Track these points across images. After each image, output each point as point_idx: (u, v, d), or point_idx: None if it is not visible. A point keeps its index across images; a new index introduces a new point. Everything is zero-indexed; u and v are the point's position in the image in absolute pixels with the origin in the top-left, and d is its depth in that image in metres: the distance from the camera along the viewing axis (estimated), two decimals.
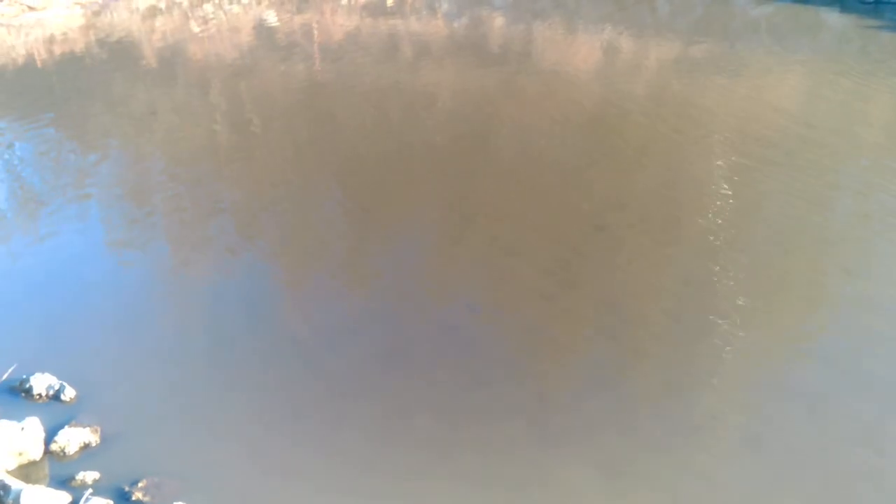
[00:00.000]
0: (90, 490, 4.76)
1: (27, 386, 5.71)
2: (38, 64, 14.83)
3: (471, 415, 5.38)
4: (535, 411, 5.38)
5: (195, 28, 18.24)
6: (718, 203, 8.27)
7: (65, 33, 17.18)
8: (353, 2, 22.26)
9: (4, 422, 5.04)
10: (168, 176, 9.68)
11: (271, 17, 19.73)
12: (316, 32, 17.88)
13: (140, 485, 4.84)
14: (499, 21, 19.72)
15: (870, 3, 22.11)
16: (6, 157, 10.20)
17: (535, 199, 8.55)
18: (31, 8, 18.30)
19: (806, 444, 4.99)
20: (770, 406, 5.36)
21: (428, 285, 7.03)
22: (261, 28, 18.46)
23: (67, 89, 13.43)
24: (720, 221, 7.87)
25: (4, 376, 5.69)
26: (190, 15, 19.91)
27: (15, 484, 4.69)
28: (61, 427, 5.32)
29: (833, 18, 20.11)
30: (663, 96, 12.62)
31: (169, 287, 7.23)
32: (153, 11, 20.05)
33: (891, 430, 5.10)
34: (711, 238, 7.53)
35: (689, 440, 5.05)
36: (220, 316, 6.69)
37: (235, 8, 21.04)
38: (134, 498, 4.77)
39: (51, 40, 16.59)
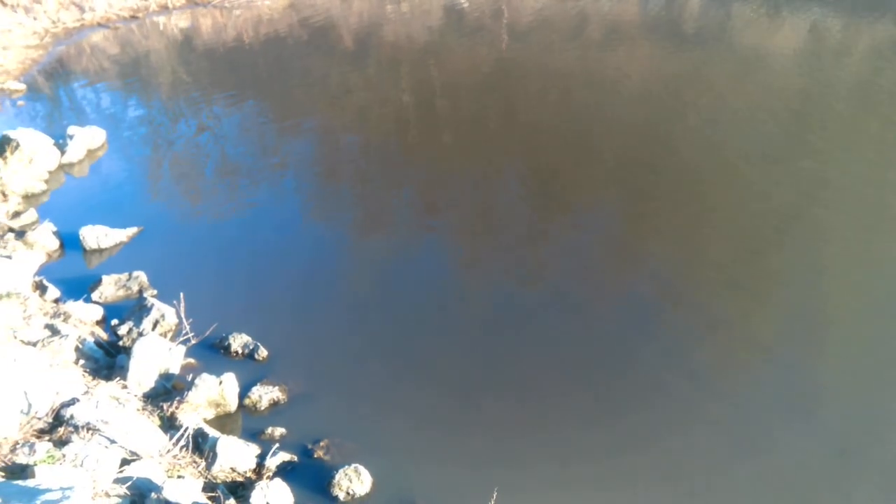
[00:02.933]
0: (277, 444, 5.07)
1: (226, 343, 6.15)
2: (246, 43, 15.81)
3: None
4: None
5: (389, 10, 18.78)
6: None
7: (270, 15, 18.20)
8: None
9: (205, 375, 5.45)
10: (359, 152, 10.07)
11: (462, 0, 19.97)
12: (505, 13, 17.90)
13: (321, 444, 5.10)
14: (695, 1, 18.90)
15: None
16: (215, 131, 10.97)
17: (719, 192, 8.17)
18: None
19: None
20: None
21: (604, 274, 6.92)
22: (451, 10, 18.71)
23: (271, 68, 14.23)
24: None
25: (207, 333, 6.15)
26: None
27: (212, 432, 5.07)
28: (254, 384, 5.69)
29: None
30: (876, 84, 11.63)
31: (354, 260, 7.52)
32: None
33: None
34: None
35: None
36: (398, 291, 6.88)
37: None
38: (315, 455, 5.04)
39: (258, 21, 17.63)
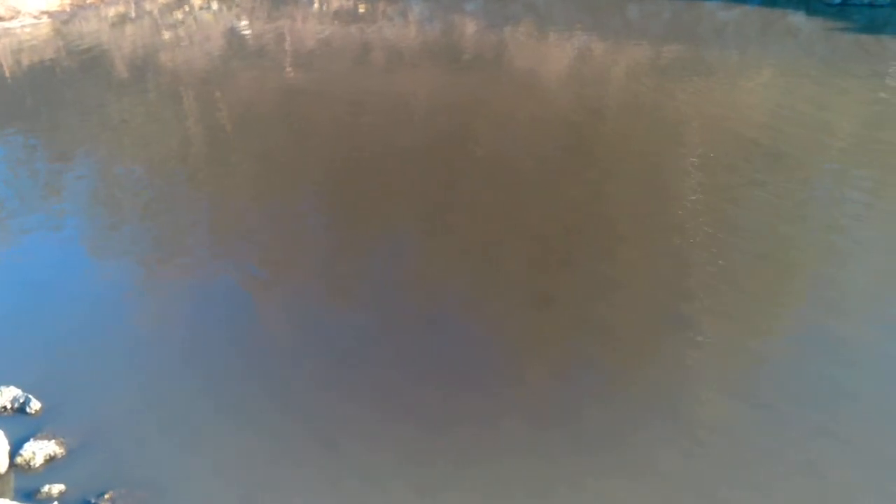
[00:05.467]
0: (55, 503, 4.70)
1: None
2: (6, 74, 14.67)
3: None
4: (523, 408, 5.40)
5: (165, 36, 18.13)
6: (692, 203, 8.34)
7: (32, 42, 17.01)
8: (324, 8, 22.25)
9: None
10: (140, 185, 9.61)
11: (242, 25, 19.66)
12: (288, 39, 17.83)
13: (106, 496, 4.79)
14: (471, 27, 19.77)
15: (835, 6, 22.43)
16: None
17: (509, 206, 8.56)
18: None
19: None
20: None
21: (408, 290, 7.02)
22: (232, 35, 18.38)
23: (38, 99, 13.29)
24: (694, 226, 7.92)
25: None
26: (160, 23, 19.79)
27: None
28: (27, 440, 5.26)
29: (800, 21, 20.37)
30: (636, 102, 12.71)
31: (136, 298, 7.16)
32: (122, 20, 19.92)
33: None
34: (686, 243, 7.58)
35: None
36: (187, 327, 6.63)
37: (206, 15, 20.96)
38: None
39: (18, 49, 16.42)
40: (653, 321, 6.33)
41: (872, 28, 19.21)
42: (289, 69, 14.89)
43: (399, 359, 5.98)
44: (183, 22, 20.08)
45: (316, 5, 23.01)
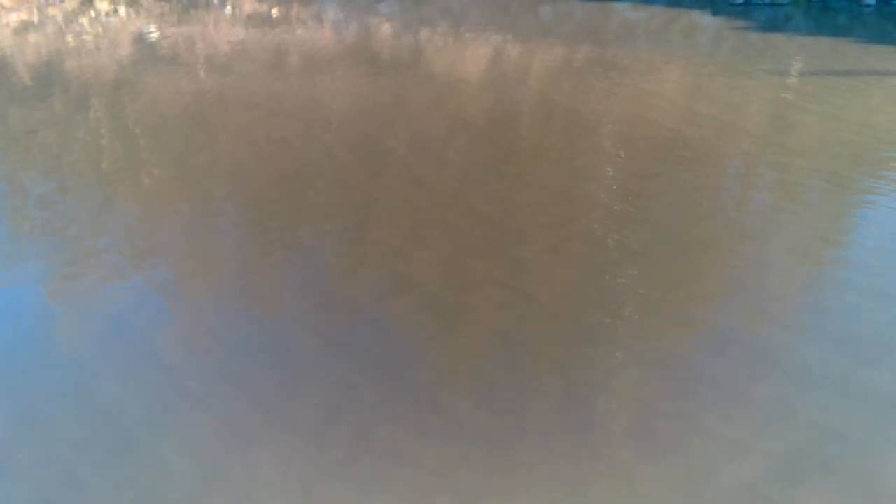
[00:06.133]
0: None
1: None
2: None
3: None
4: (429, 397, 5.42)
5: (71, 43, 17.54)
6: (611, 201, 8.53)
7: None
8: (237, 13, 21.96)
9: None
10: (47, 196, 9.26)
11: (152, 30, 19.20)
12: (200, 44, 17.49)
13: None
14: (387, 29, 19.80)
15: (739, 5, 23.36)
16: None
17: (428, 207, 8.59)
18: None
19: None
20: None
21: (329, 300, 6.96)
22: (141, 41, 17.93)
23: None
24: (612, 219, 8.10)
25: None
26: (65, 29, 19.15)
27: None
28: None
29: (706, 20, 21.10)
30: (552, 100, 12.95)
31: (41, 316, 6.87)
32: (25, 27, 19.21)
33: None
34: (604, 236, 7.74)
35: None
36: (94, 341, 6.41)
37: (113, 21, 20.39)
38: None
39: None
40: (564, 328, 6.41)
41: (774, 26, 20.04)
42: (202, 75, 14.61)
43: (307, 365, 5.91)
44: (89, 28, 19.48)
45: (228, 9, 22.70)
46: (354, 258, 7.55)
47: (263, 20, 20.92)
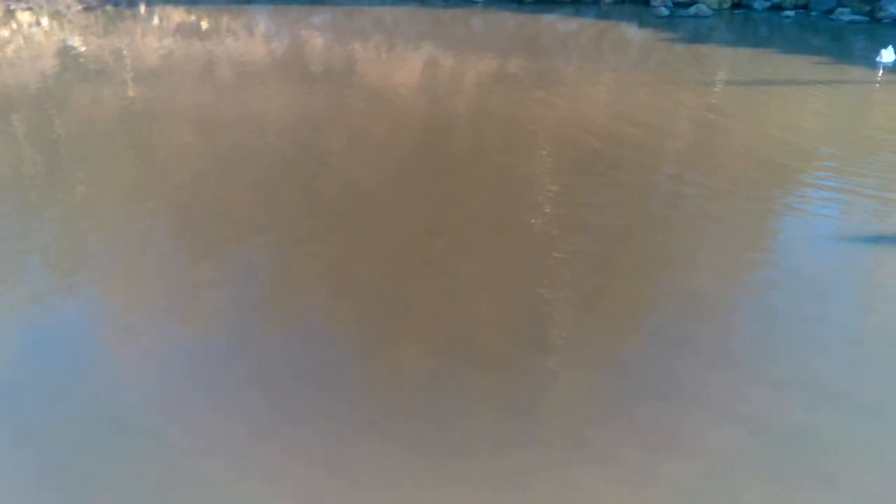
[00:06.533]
0: None
1: None
2: None
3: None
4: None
5: None
6: (546, 208, 8.64)
7: None
8: (164, 24, 21.62)
9: None
10: None
11: (77, 42, 18.73)
12: (127, 56, 17.14)
13: None
14: (319, 40, 19.72)
15: (664, 18, 23.98)
16: None
17: (367, 217, 8.57)
18: None
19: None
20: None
21: (263, 309, 6.87)
22: (66, 53, 17.47)
23: None
24: (548, 225, 8.20)
25: None
26: None
27: None
28: None
29: (633, 32, 21.60)
30: (486, 111, 13.07)
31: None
32: None
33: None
34: (541, 242, 7.83)
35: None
36: (11, 366, 6.21)
37: (36, 33, 19.85)
38: None
39: None
40: (508, 329, 6.46)
41: (699, 38, 20.62)
42: (130, 87, 14.30)
43: (252, 373, 5.84)
44: (11, 41, 18.92)
45: (156, 20, 22.33)
46: (289, 270, 7.47)
47: (192, 31, 20.62)
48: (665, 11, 24.19)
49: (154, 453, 4.92)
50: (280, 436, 5.07)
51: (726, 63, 16.93)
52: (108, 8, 24.54)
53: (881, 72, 15.63)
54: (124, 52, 17.61)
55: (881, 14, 22.66)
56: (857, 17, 22.85)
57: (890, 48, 16.35)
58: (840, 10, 23.38)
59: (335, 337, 6.30)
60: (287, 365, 5.88)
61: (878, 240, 7.85)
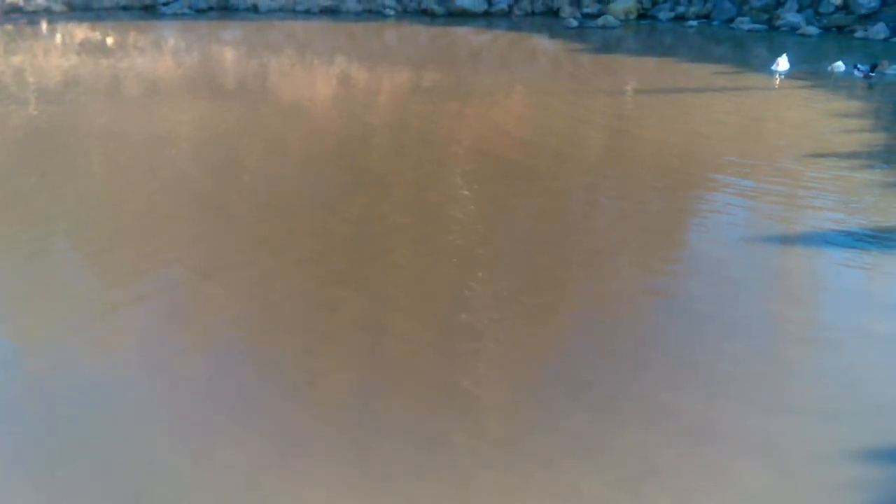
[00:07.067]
0: None
1: None
2: None
3: None
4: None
5: None
6: (463, 218, 8.70)
7: None
8: (67, 41, 21.01)
9: None
10: None
11: None
12: (29, 75, 16.56)
13: None
14: (230, 56, 19.46)
15: (573, 28, 24.55)
16: None
17: (282, 234, 8.48)
18: None
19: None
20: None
21: (175, 333, 6.72)
22: None
23: None
24: (466, 234, 8.26)
25: None
26: None
27: None
28: None
29: (545, 43, 22.02)
30: (402, 124, 13.11)
31: None
32: None
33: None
34: (460, 253, 7.89)
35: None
36: None
37: None
38: None
39: None
40: (426, 343, 6.49)
41: (607, 48, 21.17)
42: (32, 106, 13.82)
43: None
44: None
45: (58, 38, 21.66)
46: (200, 291, 7.32)
47: (98, 48, 20.06)
48: (574, 23, 24.78)
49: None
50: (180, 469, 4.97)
51: (634, 72, 17.42)
52: (8, 27, 23.68)
53: (778, 79, 16.35)
54: (26, 71, 17.02)
55: (779, 22, 23.73)
56: (756, 26, 23.86)
57: (784, 57, 17.13)
58: (740, 19, 24.39)
59: (249, 354, 6.21)
60: (193, 391, 5.77)
61: (782, 240, 8.19)
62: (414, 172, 10.50)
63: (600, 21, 24.87)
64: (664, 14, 25.96)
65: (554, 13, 26.42)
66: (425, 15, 26.73)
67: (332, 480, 4.72)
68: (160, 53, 19.57)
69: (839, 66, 16.94)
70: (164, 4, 26.63)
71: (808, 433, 5.07)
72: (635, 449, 4.94)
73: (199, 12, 26.78)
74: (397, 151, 11.57)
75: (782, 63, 17.04)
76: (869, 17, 22.56)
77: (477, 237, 8.23)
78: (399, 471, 4.80)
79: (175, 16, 26.06)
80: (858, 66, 16.58)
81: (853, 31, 22.59)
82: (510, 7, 26.94)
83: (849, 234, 8.18)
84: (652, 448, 4.94)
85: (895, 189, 9.52)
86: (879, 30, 21.83)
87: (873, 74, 16.12)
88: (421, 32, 23.76)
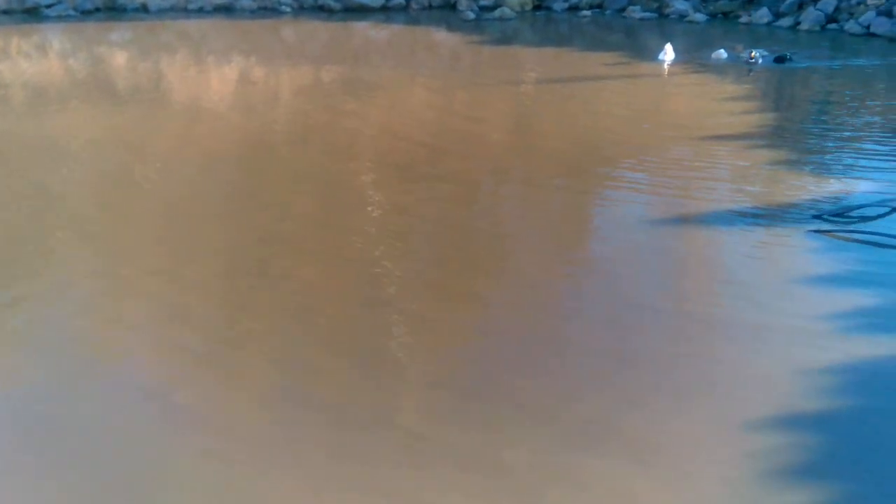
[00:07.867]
0: None
1: None
2: None
3: None
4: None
5: None
6: (374, 215, 8.72)
7: None
8: None
9: None
10: None
11: None
12: None
13: None
14: (122, 57, 18.85)
15: (471, 21, 24.76)
16: None
17: (191, 240, 8.31)
18: None
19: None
20: None
21: (96, 341, 6.52)
22: None
23: None
24: (378, 231, 8.28)
25: None
26: None
27: None
28: None
29: (443, 36, 22.17)
30: (305, 121, 13.00)
31: None
32: None
33: None
34: (374, 249, 7.91)
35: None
36: None
37: None
38: None
39: None
40: (341, 343, 6.50)
41: (505, 39, 21.47)
42: None
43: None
44: None
45: None
46: (108, 300, 7.12)
47: None
48: (471, 15, 25.02)
49: None
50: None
51: (532, 62, 17.74)
52: None
53: (666, 68, 16.95)
54: None
55: (668, 10, 24.58)
56: (647, 14, 24.64)
57: (669, 46, 17.70)
58: (631, 8, 25.14)
59: (165, 360, 6.10)
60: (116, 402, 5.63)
61: (679, 225, 8.50)
62: (320, 170, 10.42)
63: (497, 13, 25.19)
64: (558, 5, 26.50)
65: (451, 6, 26.59)
66: (322, 11, 26.49)
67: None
68: (46, 57, 18.78)
69: (721, 53, 17.69)
70: (48, 7, 25.52)
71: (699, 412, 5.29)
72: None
73: (86, 13, 25.75)
74: (301, 150, 11.44)
75: (669, 52, 17.62)
76: (752, 2, 23.60)
77: (388, 233, 8.25)
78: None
79: (60, 18, 25.01)
80: (741, 53, 17.45)
81: (738, 17, 23.59)
82: (407, 1, 26.98)
83: (742, 213, 8.57)
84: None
85: (782, 167, 10.03)
86: (763, 14, 22.88)
87: (753, 60, 16.88)
88: (319, 28, 23.55)
